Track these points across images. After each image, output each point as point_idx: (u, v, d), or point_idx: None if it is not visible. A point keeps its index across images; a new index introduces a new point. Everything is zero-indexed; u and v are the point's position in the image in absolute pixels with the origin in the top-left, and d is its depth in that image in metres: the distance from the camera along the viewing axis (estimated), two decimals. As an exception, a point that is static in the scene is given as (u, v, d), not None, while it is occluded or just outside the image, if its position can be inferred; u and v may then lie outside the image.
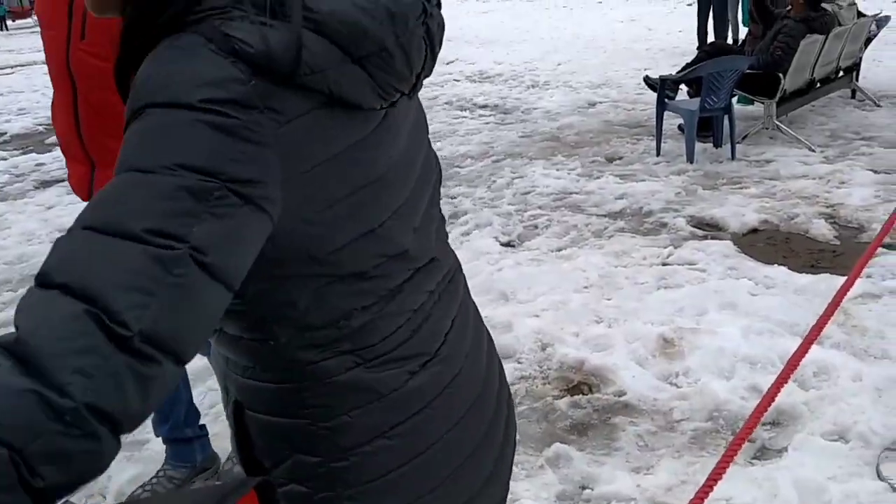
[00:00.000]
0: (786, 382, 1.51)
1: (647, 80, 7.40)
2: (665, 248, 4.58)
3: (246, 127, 0.77)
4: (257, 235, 0.80)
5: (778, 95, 6.43)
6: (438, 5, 0.99)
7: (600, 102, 8.85)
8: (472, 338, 1.17)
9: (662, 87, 6.55)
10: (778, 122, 6.60)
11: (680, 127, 6.83)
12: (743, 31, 10.09)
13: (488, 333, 1.25)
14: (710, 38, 10.75)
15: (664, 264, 4.36)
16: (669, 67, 8.92)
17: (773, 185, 5.59)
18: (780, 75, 6.32)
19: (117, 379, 0.67)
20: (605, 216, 5.24)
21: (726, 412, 2.96)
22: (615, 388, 3.18)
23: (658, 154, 6.51)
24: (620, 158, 6.59)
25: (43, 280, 0.70)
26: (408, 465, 1.02)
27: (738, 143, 6.39)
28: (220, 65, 0.78)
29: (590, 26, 16.27)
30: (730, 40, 10.83)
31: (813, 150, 6.30)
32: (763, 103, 6.65)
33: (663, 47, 12.66)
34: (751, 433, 1.52)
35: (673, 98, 6.86)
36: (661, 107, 6.49)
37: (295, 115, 0.82)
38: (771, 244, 4.63)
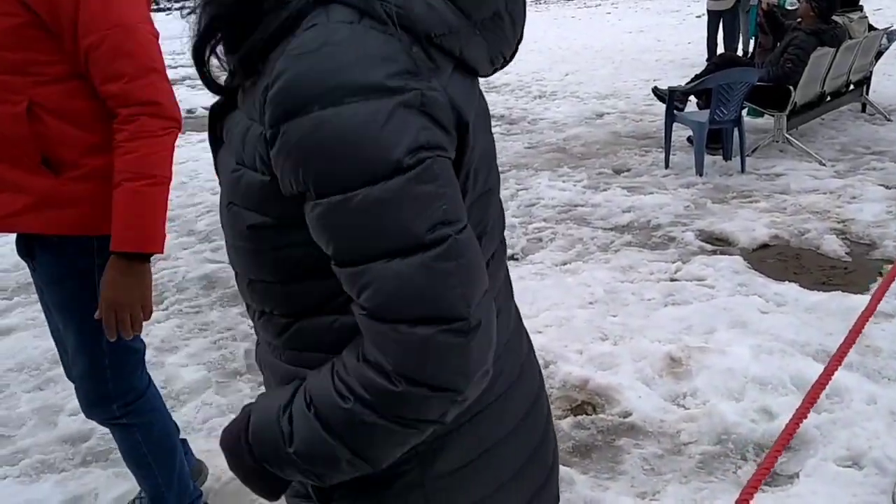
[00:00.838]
0: (808, 412, 1.43)
1: (655, 91, 7.32)
2: (673, 262, 4.48)
3: (424, 94, 0.79)
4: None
5: (788, 108, 6.34)
6: None
7: (608, 113, 8.77)
8: (525, 334, 1.15)
9: (671, 99, 6.47)
10: (788, 136, 6.51)
11: (689, 139, 6.74)
12: (753, 44, 10.02)
13: None
14: (720, 49, 10.67)
15: (672, 280, 4.27)
16: (679, 79, 8.83)
17: (783, 199, 5.49)
18: (791, 88, 6.23)
19: (481, 357, 0.83)
20: (611, 230, 5.15)
21: (735, 435, 2.86)
22: (620, 408, 3.08)
23: (667, 166, 6.42)
24: (628, 170, 6.50)
25: (397, 317, 0.80)
26: (479, 459, 1.00)
27: (747, 155, 6.30)
28: (382, 38, 0.79)
29: (598, 37, 16.21)
30: (740, 52, 10.77)
31: (823, 164, 6.20)
32: (773, 116, 6.56)
33: (672, 58, 12.58)
34: (773, 465, 1.42)
35: (682, 110, 6.77)
36: (670, 118, 6.40)
37: (448, 75, 0.83)
38: (781, 260, 4.53)
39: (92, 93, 1.85)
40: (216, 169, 0.99)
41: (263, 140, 0.82)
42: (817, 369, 2.80)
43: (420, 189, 0.78)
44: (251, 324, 4.15)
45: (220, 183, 0.97)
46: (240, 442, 0.94)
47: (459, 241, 0.80)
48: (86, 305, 1.97)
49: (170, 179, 1.91)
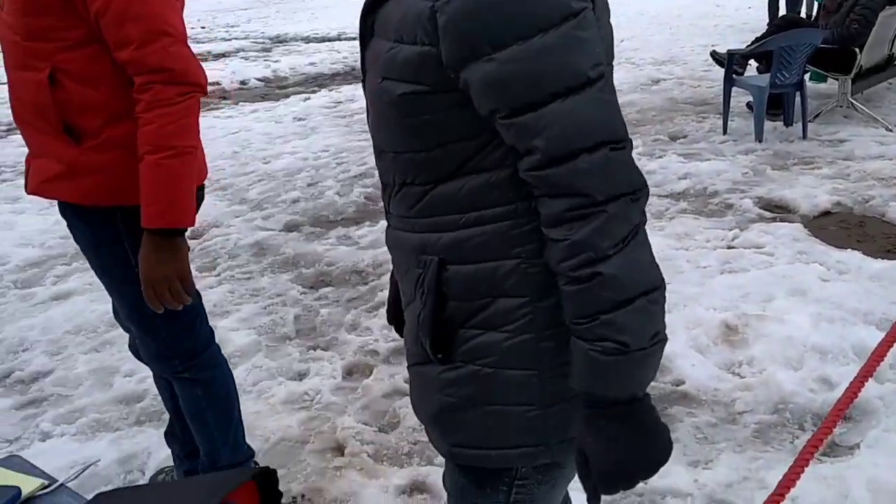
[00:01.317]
0: (869, 377, 1.36)
1: (714, 54, 7.12)
2: (730, 230, 4.37)
3: None
4: None
5: (853, 72, 6.10)
6: None
7: (664, 79, 8.57)
8: None
9: (730, 62, 6.27)
10: (853, 100, 6.28)
11: (748, 104, 6.55)
12: (816, 7, 9.66)
13: None
14: (782, 12, 10.31)
15: (729, 247, 4.16)
16: (738, 44, 8.57)
17: (846, 165, 5.31)
18: (857, 50, 5.99)
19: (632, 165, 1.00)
20: (666, 196, 5.04)
21: (793, 405, 2.78)
22: (673, 376, 3.01)
23: (725, 132, 6.25)
24: (685, 137, 6.35)
25: (579, 147, 0.95)
26: None
27: (809, 121, 6.10)
28: None
29: (655, 3, 15.83)
30: (803, 15, 10.40)
31: (890, 130, 5.98)
32: (837, 80, 6.33)
33: (731, 24, 12.23)
34: (832, 430, 1.36)
35: (741, 74, 6.57)
36: (729, 83, 6.21)
37: None
38: (844, 227, 4.38)
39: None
40: (362, 59, 1.15)
41: (431, 13, 0.96)
42: (880, 338, 2.70)
43: (582, 34, 0.94)
44: (301, 290, 4.13)
45: (363, 76, 1.13)
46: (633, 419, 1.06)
47: (610, 77, 0.99)
48: (122, 270, 1.97)
49: (194, 148, 1.84)
